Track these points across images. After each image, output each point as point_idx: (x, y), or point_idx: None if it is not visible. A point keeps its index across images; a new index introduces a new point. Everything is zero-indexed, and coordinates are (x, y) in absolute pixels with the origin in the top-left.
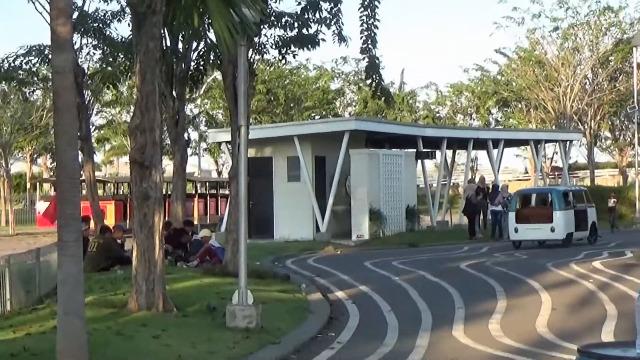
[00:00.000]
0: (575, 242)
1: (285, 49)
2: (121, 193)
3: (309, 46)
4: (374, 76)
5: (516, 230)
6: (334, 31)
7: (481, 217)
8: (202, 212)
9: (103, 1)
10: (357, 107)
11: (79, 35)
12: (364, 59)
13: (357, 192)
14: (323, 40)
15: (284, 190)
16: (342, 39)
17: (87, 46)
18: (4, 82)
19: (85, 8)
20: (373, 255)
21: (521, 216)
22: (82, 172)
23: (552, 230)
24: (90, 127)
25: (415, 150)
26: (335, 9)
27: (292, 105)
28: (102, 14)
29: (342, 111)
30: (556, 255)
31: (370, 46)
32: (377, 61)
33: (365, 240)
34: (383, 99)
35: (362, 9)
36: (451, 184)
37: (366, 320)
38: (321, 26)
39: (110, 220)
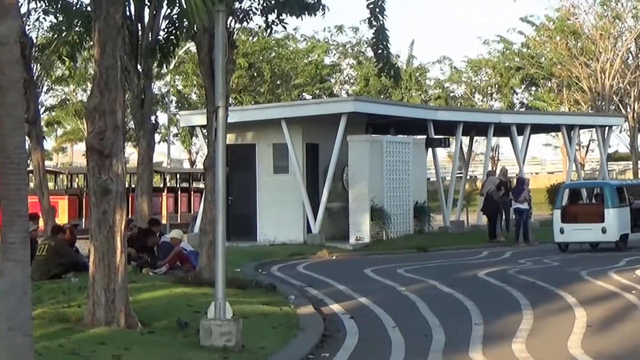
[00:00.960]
0: (632, 245)
1: (273, 16)
2: (76, 186)
3: (307, 12)
4: (383, 50)
5: (561, 231)
6: None
7: (503, 216)
8: (172, 210)
9: None
10: (356, 86)
11: None
12: (371, 27)
13: (356, 187)
14: (324, 7)
15: (270, 184)
16: None
17: (35, 11)
18: None
19: None
20: (375, 261)
21: (568, 215)
22: (29, 162)
23: (604, 231)
24: (39, 107)
25: (425, 136)
26: None
27: (279, 82)
28: None
29: (338, 90)
30: (593, 262)
31: (378, 14)
32: (386, 33)
33: (365, 244)
34: (392, 77)
35: None
36: (468, 177)
37: (366, 338)
38: None
39: (62, 219)
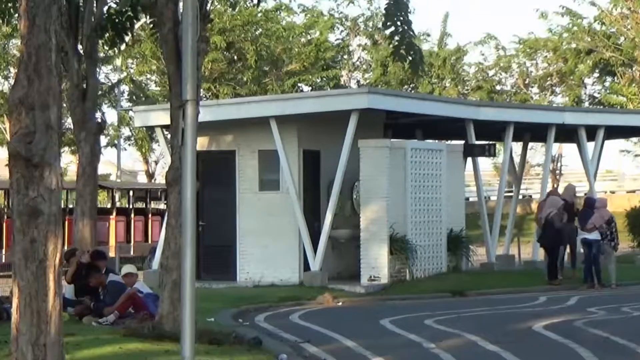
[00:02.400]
0: None
1: None
2: None
3: None
4: (399, 25)
5: None
6: None
7: (567, 249)
8: (123, 238)
9: None
10: (371, 74)
11: None
12: None
13: (371, 209)
14: None
15: (254, 205)
16: None
17: None
18: None
19: None
20: (395, 309)
21: None
22: None
23: None
24: None
25: (463, 142)
26: None
27: (267, 69)
28: None
29: (346, 80)
30: None
31: None
32: (404, 1)
33: (382, 286)
34: (409, 61)
35: None
36: (520, 197)
37: None
38: None
39: None
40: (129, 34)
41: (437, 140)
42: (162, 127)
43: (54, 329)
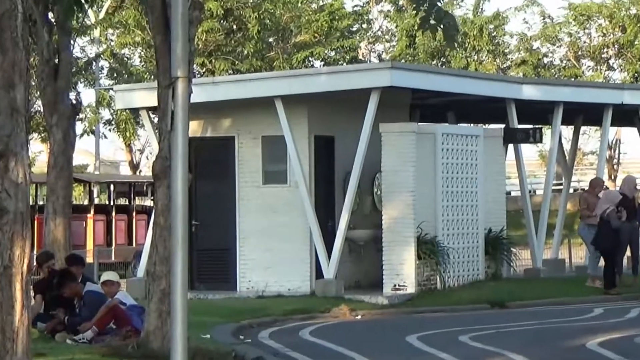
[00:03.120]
0: None
1: None
2: None
3: None
4: None
5: None
6: None
7: (627, 252)
8: (103, 241)
9: None
10: (394, 45)
11: None
12: None
13: (395, 205)
14: None
15: (257, 201)
16: None
17: None
18: None
19: None
20: (424, 323)
21: None
22: None
23: None
24: None
25: (503, 126)
26: None
27: (271, 40)
28: None
29: (365, 53)
30: None
31: None
32: None
33: (409, 296)
34: (441, 30)
35: None
36: (571, 191)
37: None
38: None
39: None
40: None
41: (472, 124)
42: (148, 109)
43: (21, 348)
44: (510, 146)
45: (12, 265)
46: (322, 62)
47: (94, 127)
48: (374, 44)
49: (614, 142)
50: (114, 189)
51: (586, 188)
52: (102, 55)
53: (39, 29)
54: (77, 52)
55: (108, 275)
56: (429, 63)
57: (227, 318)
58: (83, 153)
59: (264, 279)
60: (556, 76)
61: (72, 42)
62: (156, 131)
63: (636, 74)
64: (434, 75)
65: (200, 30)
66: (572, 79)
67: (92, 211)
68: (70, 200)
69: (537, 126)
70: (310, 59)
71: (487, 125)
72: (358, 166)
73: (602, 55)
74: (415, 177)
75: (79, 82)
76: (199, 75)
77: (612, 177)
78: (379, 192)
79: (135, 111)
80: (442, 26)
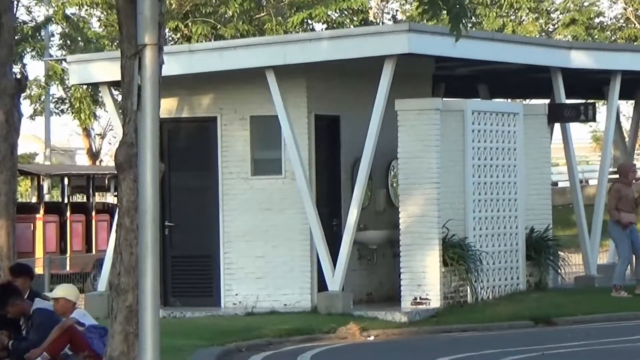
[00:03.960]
0: None
1: None
2: None
3: None
4: None
5: None
6: None
7: None
8: (56, 247)
9: None
10: (412, 4)
11: None
12: None
13: (415, 200)
14: None
15: (245, 196)
16: None
17: None
18: None
19: None
20: (453, 344)
21: None
22: None
23: None
24: None
25: (547, 101)
26: None
27: None
28: None
29: (377, 13)
30: None
31: None
32: None
33: (433, 311)
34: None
35: None
36: (634, 180)
37: None
38: None
39: None
40: None
41: (510, 100)
42: (110, 84)
43: None
44: (557, 126)
45: None
46: (324, 26)
47: (42, 107)
48: (387, 2)
49: None
50: (68, 183)
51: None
52: (52, 19)
53: None
54: (21, 14)
55: (62, 290)
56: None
57: (210, 340)
58: (30, 139)
59: (254, 291)
60: (612, 39)
61: (14, 1)
62: (120, 111)
63: None
64: (461, 40)
65: None
66: (632, 43)
67: (41, 211)
68: (15, 198)
69: (589, 101)
70: (309, 21)
71: (527, 100)
72: (369, 152)
73: None
74: (439, 165)
75: (24, 53)
76: (172, 43)
77: None
78: (395, 184)
79: (94, 87)
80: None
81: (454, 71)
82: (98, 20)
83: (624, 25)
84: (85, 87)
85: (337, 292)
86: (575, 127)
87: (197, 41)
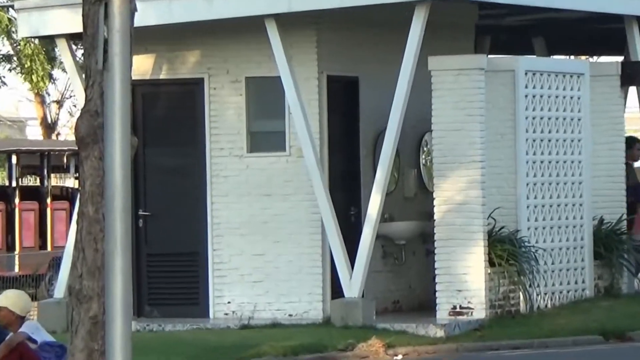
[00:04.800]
0: None
1: None
2: None
3: None
4: None
5: None
6: None
7: None
8: (1, 243)
9: None
10: None
11: None
12: None
13: (453, 183)
14: None
15: (240, 179)
16: None
17: None
18: None
19: None
20: None
21: None
22: None
23: None
24: None
25: (620, 59)
26: None
27: None
28: None
29: None
30: None
31: None
32: None
33: (477, 323)
34: None
35: None
36: None
37: None
38: None
39: None
40: None
41: (572, 57)
42: (69, 37)
43: None
44: (633, 90)
45: None
46: None
47: None
48: None
49: None
50: (17, 162)
51: None
52: None
53: None
54: None
55: (5, 298)
56: None
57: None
58: None
59: (251, 298)
60: None
61: None
62: (82, 74)
63: None
64: None
65: None
66: None
67: None
68: None
69: None
70: None
71: (595, 57)
72: (396, 123)
73: None
74: (484, 140)
75: None
76: None
77: None
78: (428, 163)
79: (49, 41)
80: None
81: (502, 20)
82: None
83: None
84: (37, 41)
85: (356, 299)
86: None
87: None
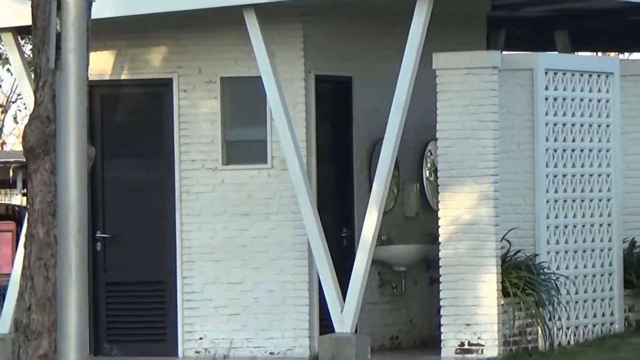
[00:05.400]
0: None
1: None
2: None
3: None
4: None
5: None
6: None
7: None
8: None
9: None
10: None
11: None
12: None
13: (462, 198)
14: None
15: (214, 195)
16: None
17: None
18: None
19: None
20: None
21: None
22: None
23: None
24: None
25: None
26: None
27: None
28: None
29: None
30: None
31: None
32: None
33: None
34: None
35: None
36: None
37: None
38: None
39: None
40: None
41: (600, 53)
42: (16, 31)
43: None
44: None
45: None
46: None
47: None
48: None
49: None
50: None
51: None
52: None
53: None
54: None
55: None
56: None
57: None
58: None
59: (227, 334)
60: None
61: None
62: (32, 71)
63: None
64: None
65: None
66: None
67: None
68: None
69: None
70: None
71: (627, 54)
72: (395, 130)
73: None
74: (498, 150)
75: None
76: None
77: None
78: (432, 177)
79: None
80: None
81: (519, 11)
82: None
83: None
84: None
85: (349, 335)
86: None
87: None
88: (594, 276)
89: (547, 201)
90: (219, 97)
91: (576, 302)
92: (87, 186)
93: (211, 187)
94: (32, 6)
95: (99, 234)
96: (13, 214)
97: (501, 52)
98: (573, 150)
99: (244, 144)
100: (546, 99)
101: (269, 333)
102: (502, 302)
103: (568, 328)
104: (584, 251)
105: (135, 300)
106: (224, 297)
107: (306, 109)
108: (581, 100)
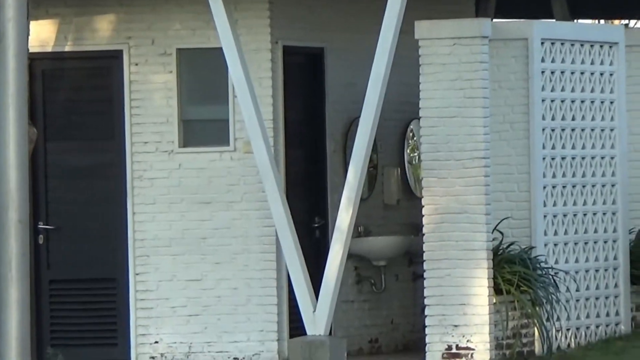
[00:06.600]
0: None
1: None
2: None
3: None
4: None
5: None
6: None
7: None
8: None
9: None
10: None
11: None
12: None
13: (449, 184)
14: None
15: (169, 181)
16: None
17: None
18: None
19: None
20: None
21: None
22: None
23: None
24: None
25: None
26: None
27: None
28: None
29: None
30: None
31: None
32: None
33: None
34: None
35: None
36: None
37: None
38: None
39: None
40: None
41: (602, 21)
42: None
43: None
44: None
45: None
46: None
47: None
48: None
49: None
50: None
51: None
52: None
53: None
54: None
55: None
56: None
57: None
58: None
59: (185, 337)
60: None
61: None
62: None
63: None
64: None
65: None
66: None
67: None
68: None
69: None
70: None
71: (633, 22)
72: (372, 108)
73: None
74: (488, 129)
75: None
76: None
77: None
78: (415, 161)
79: None
80: None
81: None
82: None
83: None
84: None
85: (322, 337)
86: None
87: None
88: (596, 271)
89: (544, 187)
90: (175, 71)
91: (577, 300)
92: (27, 172)
93: (167, 173)
94: None
95: (41, 226)
96: None
97: (492, 19)
98: (573, 130)
99: (204, 124)
100: (542, 72)
101: (233, 336)
102: (494, 301)
103: (568, 329)
104: (586, 243)
105: (82, 300)
106: (181, 295)
107: (273, 84)
108: (582, 73)
